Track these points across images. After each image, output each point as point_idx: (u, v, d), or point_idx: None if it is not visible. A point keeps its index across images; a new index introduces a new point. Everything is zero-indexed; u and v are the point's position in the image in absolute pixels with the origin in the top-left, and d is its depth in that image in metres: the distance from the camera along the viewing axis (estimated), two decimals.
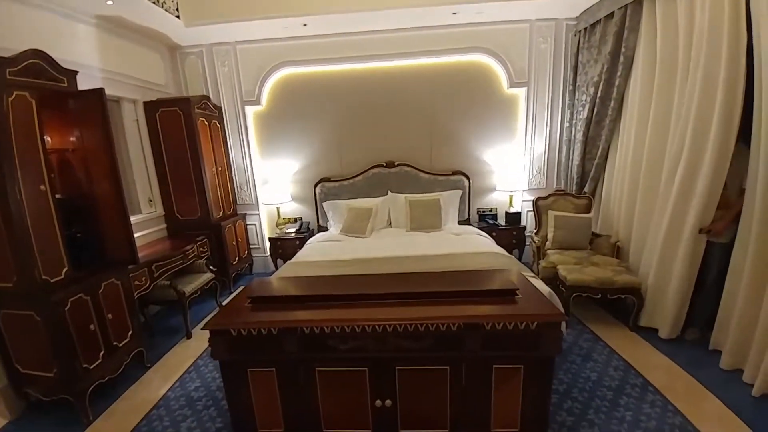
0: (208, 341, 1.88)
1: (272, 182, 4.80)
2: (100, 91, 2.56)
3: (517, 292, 1.92)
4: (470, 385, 1.78)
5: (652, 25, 3.08)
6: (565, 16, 4.21)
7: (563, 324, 1.77)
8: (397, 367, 1.80)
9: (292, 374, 1.87)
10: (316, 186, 4.78)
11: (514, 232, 4.47)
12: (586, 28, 3.96)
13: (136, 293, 2.96)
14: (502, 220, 4.65)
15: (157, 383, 2.76)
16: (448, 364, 1.77)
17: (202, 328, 1.89)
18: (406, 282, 2.13)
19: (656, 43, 3.04)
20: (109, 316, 2.62)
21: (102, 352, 2.55)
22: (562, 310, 1.98)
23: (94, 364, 2.48)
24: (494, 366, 1.74)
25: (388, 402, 1.82)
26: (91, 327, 2.47)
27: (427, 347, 1.74)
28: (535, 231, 4.17)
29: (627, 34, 3.30)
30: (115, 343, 2.67)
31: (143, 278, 3.09)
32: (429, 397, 1.83)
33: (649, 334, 3.03)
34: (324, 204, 4.63)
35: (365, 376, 1.82)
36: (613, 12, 3.44)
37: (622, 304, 3.29)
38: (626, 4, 3.25)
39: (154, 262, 3.23)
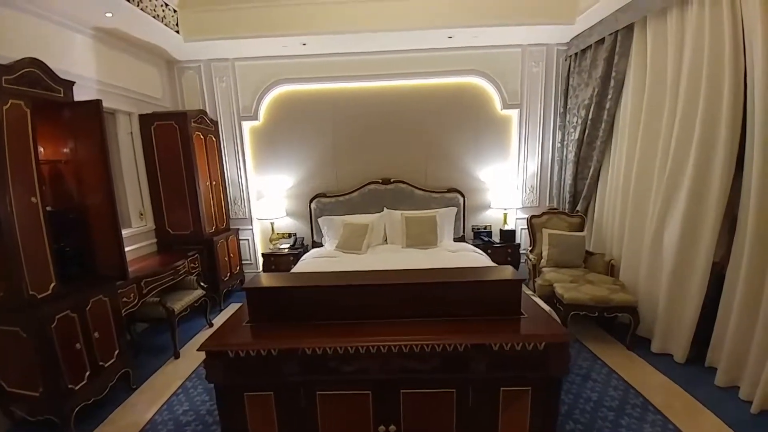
0: (204, 364, 1.80)
1: (267, 197, 4.75)
2: (97, 103, 2.53)
3: (523, 311, 1.90)
4: (477, 408, 1.73)
5: (642, 50, 3.21)
6: (556, 42, 4.36)
7: None
8: (401, 390, 1.75)
9: (292, 398, 1.80)
10: (311, 201, 4.75)
11: (509, 250, 4.49)
12: (576, 53, 4.11)
13: (123, 310, 2.85)
14: (496, 238, 4.67)
15: (143, 406, 2.63)
16: (454, 387, 1.73)
17: (197, 350, 1.81)
18: (409, 296, 2.05)
19: (646, 68, 3.16)
20: (96, 334, 2.52)
21: (87, 373, 2.43)
22: None
23: (80, 385, 2.37)
24: (501, 388, 1.71)
25: (392, 428, 1.76)
26: (77, 346, 2.37)
27: (433, 369, 1.70)
28: (529, 249, 4.20)
29: (617, 59, 3.43)
30: (101, 363, 2.55)
31: (132, 295, 2.99)
32: (434, 422, 1.77)
33: (645, 350, 3.04)
34: (319, 220, 4.59)
35: (368, 400, 1.77)
36: (603, 38, 3.57)
37: (618, 321, 3.30)
38: (617, 31, 3.38)
39: (144, 278, 3.14)
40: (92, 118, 2.53)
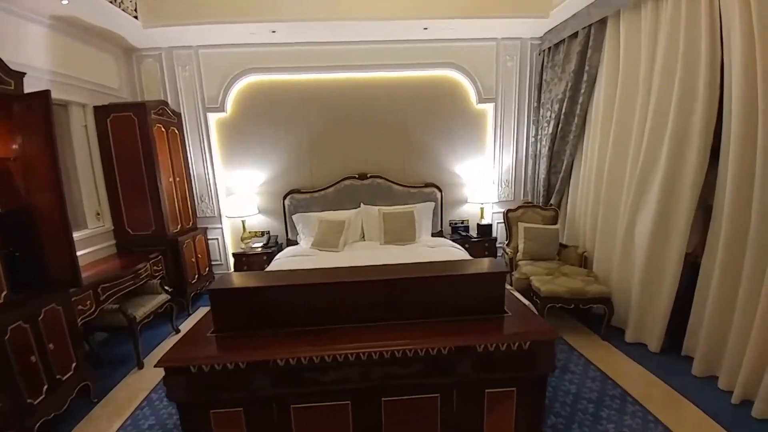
0: (163, 381, 1.65)
1: (237, 194, 4.54)
2: (45, 94, 2.28)
3: (506, 309, 1.86)
4: (462, 412, 1.68)
5: (615, 44, 3.23)
6: (530, 36, 4.36)
7: None
8: (383, 398, 1.66)
9: (264, 414, 1.67)
10: (285, 198, 4.57)
11: (486, 244, 4.49)
12: (550, 48, 4.12)
13: (80, 319, 2.64)
14: (474, 232, 4.66)
15: (106, 421, 2.43)
16: (438, 392, 1.67)
17: (155, 366, 1.65)
18: (389, 295, 1.93)
19: (619, 62, 3.18)
20: (51, 346, 2.30)
21: (45, 387, 2.24)
22: None
23: (38, 400, 2.18)
24: (486, 390, 1.66)
25: None
26: (32, 358, 2.17)
27: (415, 374, 1.62)
28: (506, 242, 4.21)
29: (591, 53, 3.45)
30: (58, 377, 2.34)
31: (87, 302, 2.76)
32: (418, 429, 1.70)
33: (619, 341, 3.11)
34: (293, 217, 4.43)
35: (348, 411, 1.67)
36: (577, 32, 3.59)
37: (592, 312, 3.36)
38: (590, 25, 3.40)
39: (101, 284, 2.90)
40: (40, 110, 2.28)
